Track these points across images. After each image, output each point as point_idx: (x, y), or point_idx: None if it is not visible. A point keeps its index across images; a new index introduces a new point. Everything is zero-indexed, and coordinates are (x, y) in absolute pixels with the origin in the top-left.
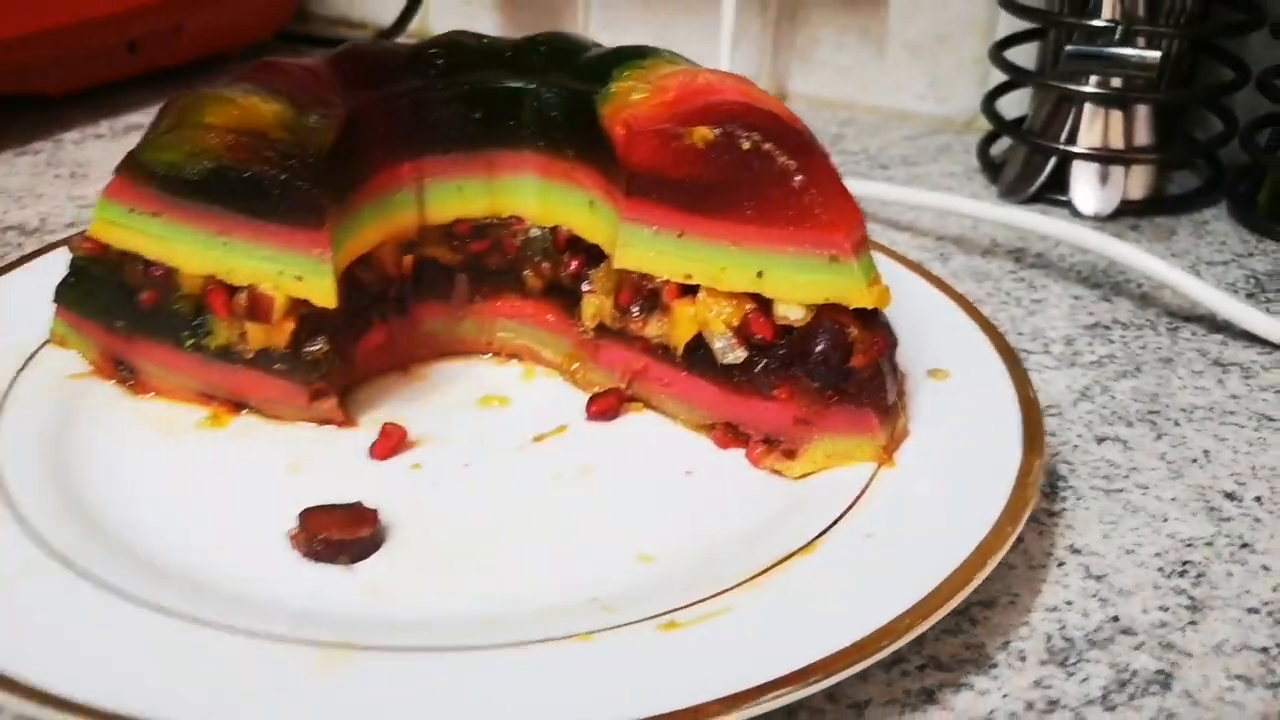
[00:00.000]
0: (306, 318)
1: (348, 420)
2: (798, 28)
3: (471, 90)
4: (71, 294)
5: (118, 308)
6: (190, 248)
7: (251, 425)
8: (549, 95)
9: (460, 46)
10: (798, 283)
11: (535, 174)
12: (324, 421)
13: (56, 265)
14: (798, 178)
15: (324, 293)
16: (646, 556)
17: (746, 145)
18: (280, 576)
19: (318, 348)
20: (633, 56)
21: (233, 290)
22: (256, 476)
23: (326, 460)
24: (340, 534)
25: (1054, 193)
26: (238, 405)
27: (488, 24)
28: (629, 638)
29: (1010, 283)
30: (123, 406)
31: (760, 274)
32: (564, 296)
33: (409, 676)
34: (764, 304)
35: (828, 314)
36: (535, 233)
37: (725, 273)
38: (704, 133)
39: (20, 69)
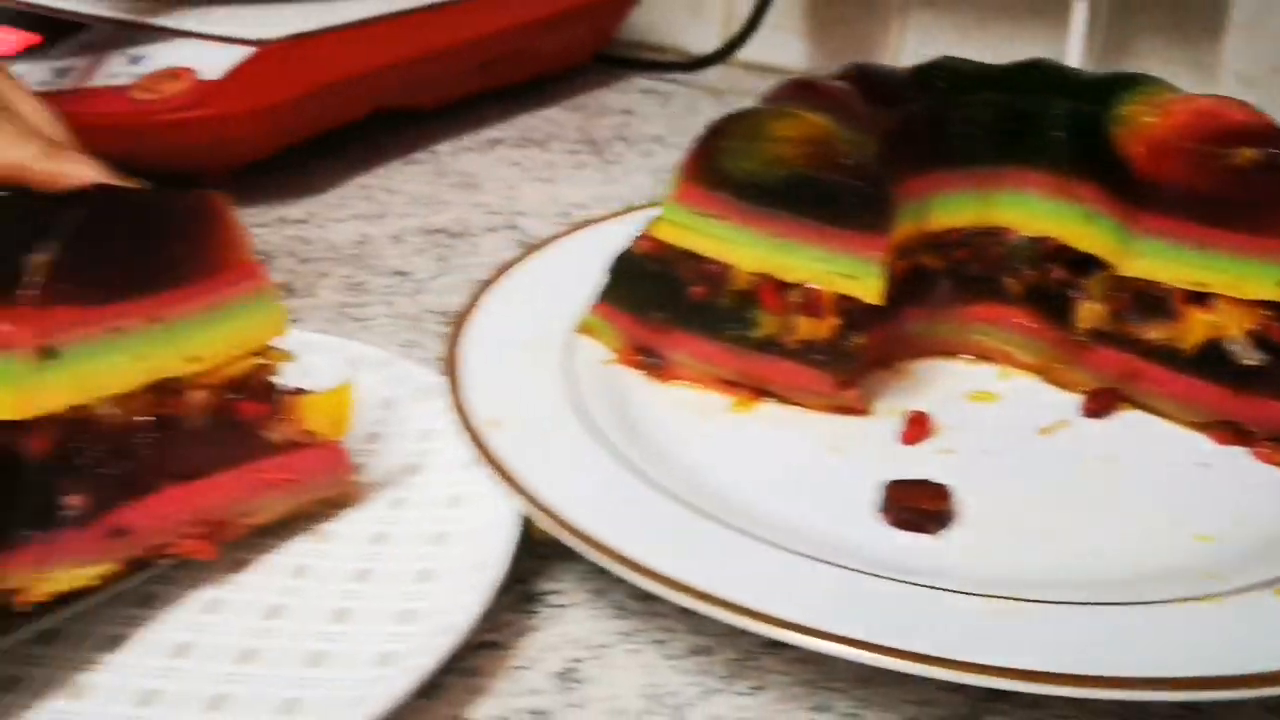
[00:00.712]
0: (850, 312)
1: (866, 409)
2: (1127, 58)
3: (983, 109)
4: (614, 289)
5: (661, 301)
6: (748, 248)
7: (775, 411)
8: (1057, 115)
9: (957, 70)
10: None
11: (1034, 188)
12: (842, 409)
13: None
14: None
15: (874, 291)
16: (1204, 536)
17: None
18: (881, 541)
19: (856, 340)
20: (1137, 83)
21: (783, 286)
22: (805, 455)
23: (862, 443)
24: (928, 504)
25: None
26: (760, 392)
27: (797, 51)
28: (1249, 600)
29: None
30: (648, 391)
31: None
32: (1045, 302)
33: (1073, 627)
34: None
35: None
36: (1019, 241)
37: (1246, 282)
38: (1248, 153)
39: (402, 87)
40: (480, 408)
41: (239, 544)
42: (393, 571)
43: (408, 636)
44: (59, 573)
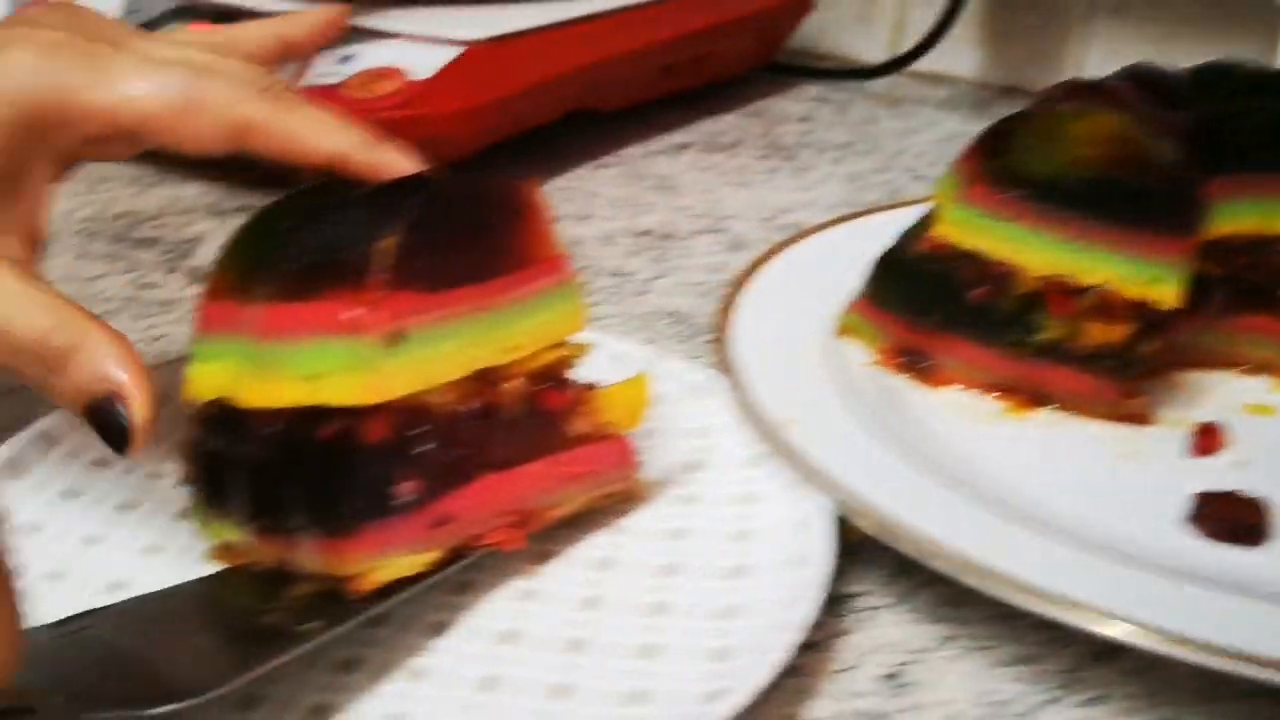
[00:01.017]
0: (1144, 317)
1: (1150, 417)
2: None
3: (1265, 115)
4: (880, 289)
5: (935, 303)
6: (1040, 250)
7: (1052, 417)
8: None
9: (1237, 73)
10: None
11: None
12: (1125, 418)
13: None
14: None
15: (1175, 295)
16: None
17: None
18: (1202, 553)
19: (1146, 347)
20: None
21: (1073, 290)
22: (1096, 463)
23: (1151, 452)
24: (1249, 516)
25: None
26: (1035, 398)
27: (972, 62)
28: None
29: None
30: (916, 393)
31: None
32: None
33: None
34: None
35: None
36: None
37: None
38: None
39: (595, 89)
40: (771, 406)
41: (542, 536)
42: (700, 567)
43: (736, 632)
44: (390, 560)
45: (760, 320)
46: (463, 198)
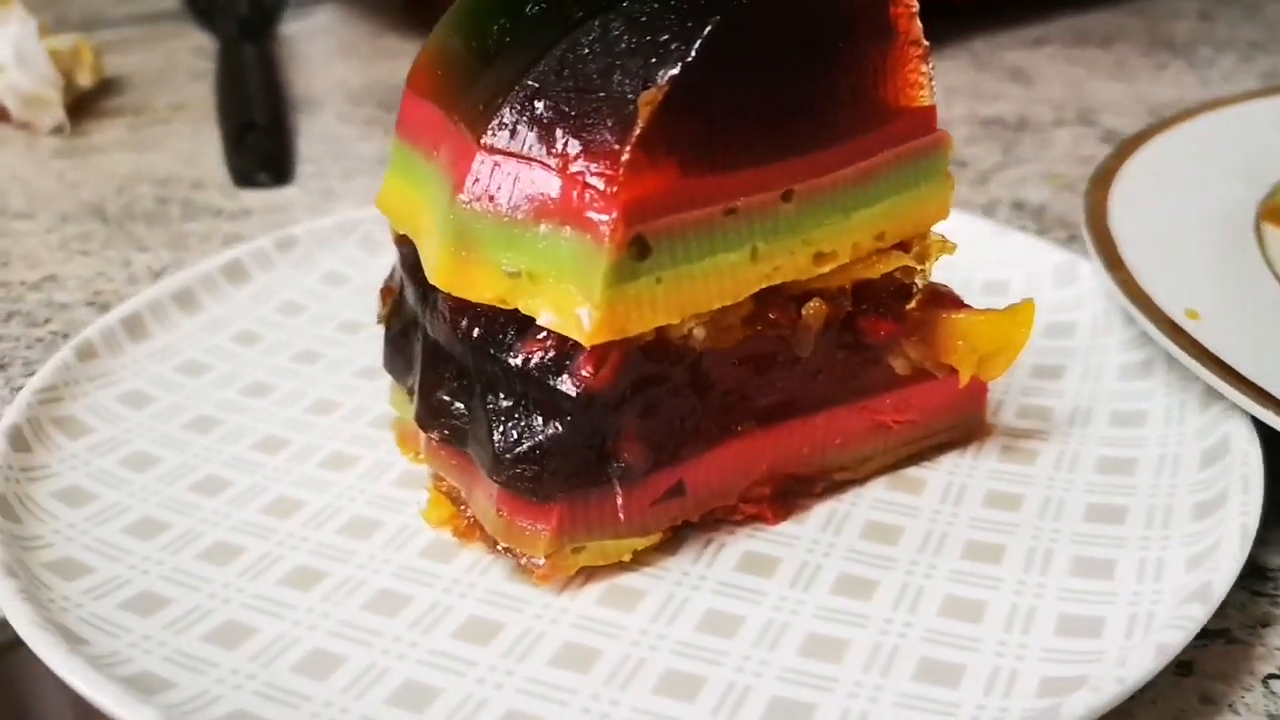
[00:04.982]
0: None
1: None
2: None
3: None
4: None
5: None
6: None
7: None
8: None
9: None
10: None
11: None
12: None
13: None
14: None
15: None
16: None
17: None
18: None
19: None
20: None
21: None
22: None
23: None
24: None
25: None
26: None
27: None
28: None
29: None
30: None
31: None
32: None
33: None
34: None
35: None
36: None
37: None
38: None
39: None
40: (1167, 294)
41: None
42: (1071, 507)
43: (1114, 597)
44: (593, 543)
45: (1147, 201)
46: (792, 8)
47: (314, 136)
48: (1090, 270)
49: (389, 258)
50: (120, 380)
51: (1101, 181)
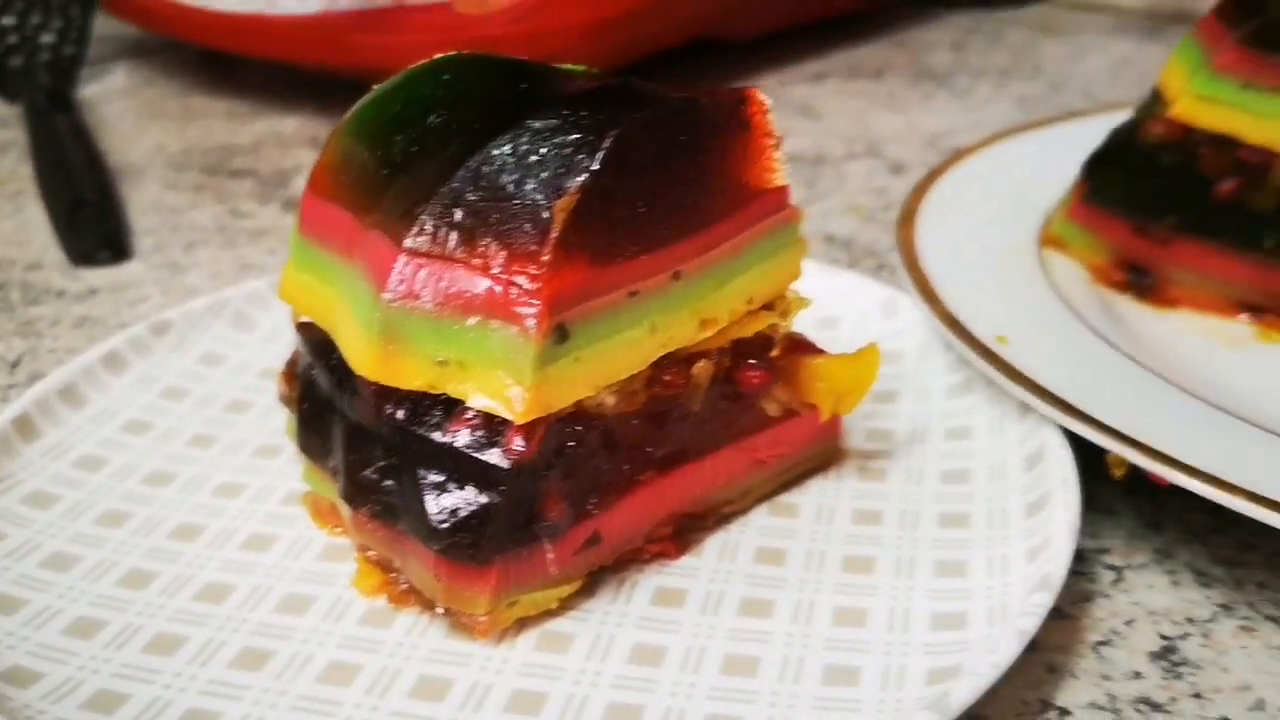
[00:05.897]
0: None
1: None
2: None
3: None
4: (1103, 189)
5: (1169, 203)
6: None
7: None
8: None
9: None
10: None
11: None
12: None
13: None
14: None
15: None
16: None
17: None
18: None
19: None
20: None
21: None
22: None
23: None
24: None
25: None
26: None
27: None
28: None
29: None
30: (1140, 313)
31: None
32: None
33: None
34: None
35: None
36: None
37: None
38: None
39: (722, 13)
40: (979, 323)
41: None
42: (914, 514)
43: (966, 593)
44: (525, 596)
45: (946, 236)
46: (673, 121)
47: (145, 208)
48: (910, 303)
49: (261, 334)
50: (21, 482)
51: (906, 220)
